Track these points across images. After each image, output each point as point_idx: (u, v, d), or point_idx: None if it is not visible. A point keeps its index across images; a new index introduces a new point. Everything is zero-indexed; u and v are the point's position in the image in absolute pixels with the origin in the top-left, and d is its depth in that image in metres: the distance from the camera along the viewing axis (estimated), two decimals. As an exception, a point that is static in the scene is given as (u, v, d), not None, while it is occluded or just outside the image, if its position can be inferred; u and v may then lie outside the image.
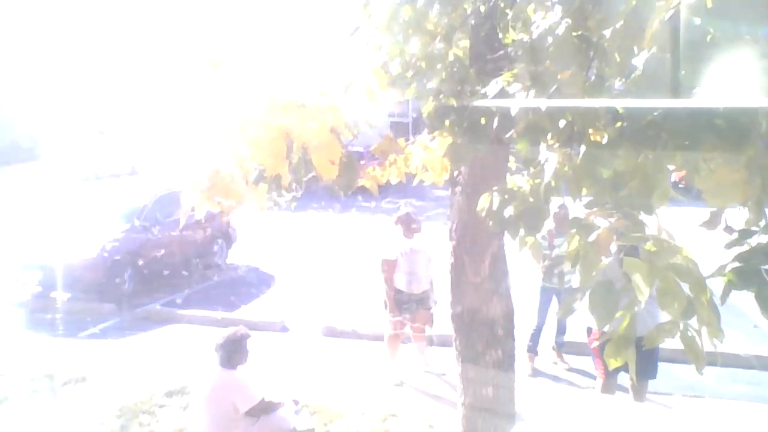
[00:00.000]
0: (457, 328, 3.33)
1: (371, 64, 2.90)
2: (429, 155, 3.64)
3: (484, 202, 2.20)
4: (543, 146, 2.01)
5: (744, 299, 1.73)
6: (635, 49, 1.66)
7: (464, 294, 3.24)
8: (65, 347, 6.48)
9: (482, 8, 2.58)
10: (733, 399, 5.15)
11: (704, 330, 1.68)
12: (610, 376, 4.37)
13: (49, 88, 20.47)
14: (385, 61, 2.88)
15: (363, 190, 3.59)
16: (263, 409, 4.00)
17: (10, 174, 16.93)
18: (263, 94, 2.55)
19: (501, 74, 2.08)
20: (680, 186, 2.81)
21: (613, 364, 1.84)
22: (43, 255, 7.91)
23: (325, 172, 2.59)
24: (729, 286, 1.59)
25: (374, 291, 5.90)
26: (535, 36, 1.94)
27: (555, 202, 2.18)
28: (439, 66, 2.67)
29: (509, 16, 2.41)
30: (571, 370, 5.80)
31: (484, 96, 2.11)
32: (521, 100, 1.92)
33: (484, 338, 3.22)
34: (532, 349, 5.79)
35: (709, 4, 1.37)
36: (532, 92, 1.92)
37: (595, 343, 4.30)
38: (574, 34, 1.84)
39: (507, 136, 2.12)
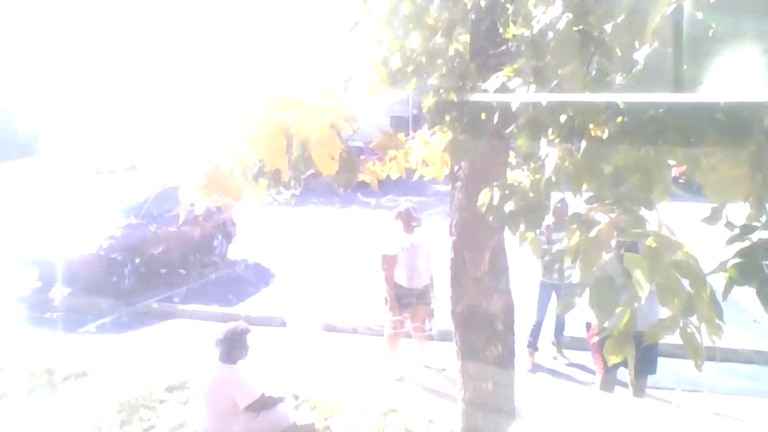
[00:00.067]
0: (457, 323, 3.33)
1: (371, 59, 2.89)
2: (429, 150, 3.63)
3: (484, 198, 2.19)
4: (543, 141, 2.01)
5: (744, 294, 1.73)
6: (636, 43, 1.65)
7: (464, 289, 3.24)
8: (65, 342, 6.49)
9: (483, 3, 2.57)
10: (733, 394, 5.16)
11: (703, 326, 1.67)
12: (609, 371, 4.37)
13: (47, 84, 20.43)
14: (385, 56, 2.87)
15: (363, 185, 3.59)
16: (263, 404, 4.01)
17: (8, 169, 16.90)
18: (262, 90, 2.54)
19: (502, 69, 2.07)
20: (680, 181, 2.81)
21: (613, 359, 1.84)
22: (42, 250, 7.92)
23: (325, 167, 2.59)
24: (730, 282, 1.59)
25: (374, 286, 5.91)
26: (535, 31, 1.92)
27: (554, 198, 2.17)
28: (439, 61, 2.66)
29: (510, 11, 2.39)
30: (570, 365, 5.81)
31: (485, 91, 2.10)
32: (522, 94, 1.91)
33: (484, 334, 3.22)
34: (532, 345, 5.80)
35: (711, -1, 1.36)
36: (533, 87, 1.91)
37: (595, 339, 4.30)
38: (575, 28, 1.83)
39: (507, 131, 2.11)
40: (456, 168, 3.13)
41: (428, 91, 2.49)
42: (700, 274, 1.65)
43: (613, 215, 1.80)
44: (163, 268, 8.76)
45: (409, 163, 3.73)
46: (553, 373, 5.72)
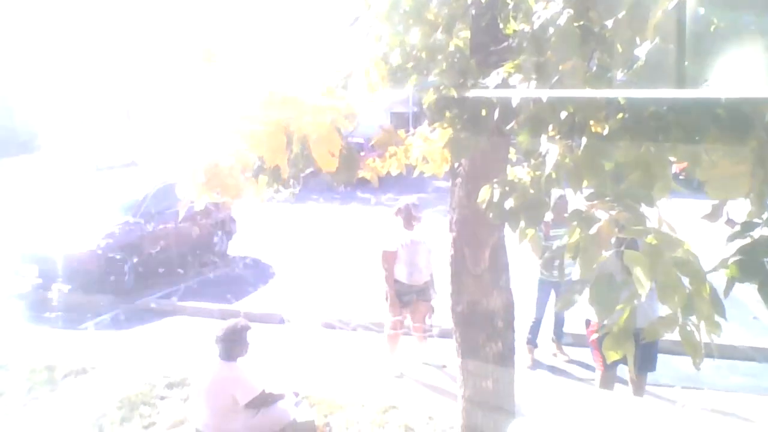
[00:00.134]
0: (457, 320, 3.33)
1: (371, 55, 2.88)
2: (429, 147, 3.62)
3: (484, 194, 2.18)
4: (544, 138, 2.00)
5: (744, 291, 1.73)
6: (638, 39, 1.64)
7: (464, 286, 3.24)
8: (65, 339, 6.50)
9: (483, -2, 2.55)
10: (733, 391, 5.17)
11: (702, 324, 1.67)
12: (609, 368, 4.37)
13: (46, 81, 20.40)
14: (385, 52, 2.85)
15: (362, 182, 3.58)
16: (263, 401, 4.01)
17: (8, 166, 16.89)
18: (262, 88, 2.53)
19: (502, 65, 2.06)
20: (681, 178, 2.81)
21: (612, 356, 1.84)
22: (42, 247, 7.92)
23: (325, 164, 2.58)
24: (732, 279, 1.59)
25: (374, 283, 5.90)
26: (536, 26, 1.91)
27: (554, 194, 2.17)
28: (439, 57, 2.65)
29: (510, 6, 2.38)
30: (570, 361, 5.82)
31: (485, 87, 2.09)
32: (522, 91, 1.90)
33: (484, 330, 3.22)
34: (532, 342, 5.81)
35: (713, -6, 1.36)
36: (534, 83, 1.91)
37: (594, 336, 4.30)
38: (576, 24, 1.82)
39: (508, 127, 2.10)
40: (456, 164, 3.12)
41: (428, 88, 2.48)
42: (700, 271, 1.64)
43: (613, 212, 1.80)
44: (163, 265, 8.76)
45: (409, 159, 3.72)
46: (553, 369, 5.73)
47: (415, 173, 3.84)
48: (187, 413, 4.30)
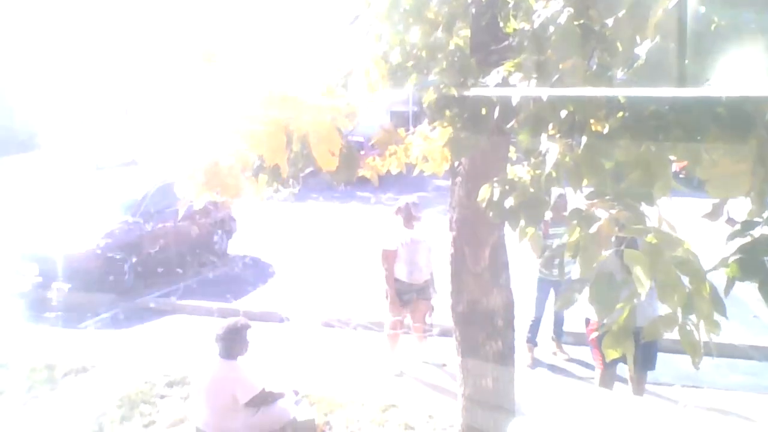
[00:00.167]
0: (457, 319, 3.33)
1: (371, 54, 2.87)
2: (429, 145, 3.62)
3: (484, 193, 2.18)
4: (544, 136, 2.00)
5: (744, 290, 1.72)
6: (638, 38, 1.64)
7: (464, 285, 3.24)
8: (66, 338, 6.50)
9: (483, -3, 2.55)
10: (732, 389, 5.17)
11: (702, 323, 1.67)
12: (608, 367, 4.38)
13: (46, 79, 20.39)
14: (385, 51, 2.85)
15: (363, 181, 3.58)
16: (263, 400, 4.01)
17: (8, 165, 16.89)
18: (261, 87, 2.53)
19: (502, 64, 2.06)
20: (681, 176, 2.80)
21: (612, 355, 1.84)
22: (42, 246, 7.92)
23: (325, 163, 2.58)
24: (732, 278, 1.59)
25: (374, 282, 5.90)
26: (536, 25, 1.91)
27: (553, 193, 2.17)
28: (439, 56, 2.65)
29: (510, 5, 2.38)
30: (570, 360, 5.82)
31: (485, 86, 2.09)
32: (522, 89, 1.90)
33: (484, 329, 3.22)
34: (531, 340, 5.81)
35: (714, -7, 1.35)
36: (534, 82, 1.90)
37: (594, 334, 4.30)
38: (577, 23, 1.82)
39: (508, 126, 2.10)
40: (456, 163, 3.12)
41: (429, 87, 2.48)
42: (700, 270, 1.64)
43: (613, 211, 1.80)
44: (163, 264, 8.76)
45: (409, 158, 3.72)
46: (553, 368, 5.73)
47: (415, 172, 3.85)
48: (187, 412, 4.31)
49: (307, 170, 2.72)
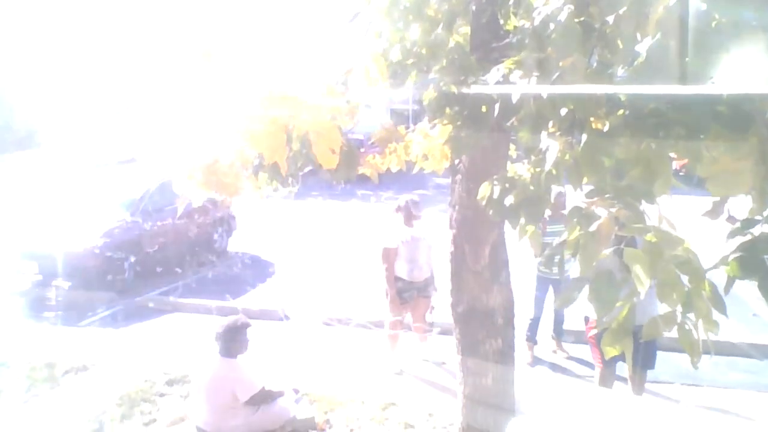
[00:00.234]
0: (457, 317, 3.33)
1: (371, 51, 2.87)
2: (429, 143, 3.62)
3: (484, 191, 2.18)
4: (544, 134, 1.99)
5: (743, 288, 1.72)
6: (639, 35, 1.63)
7: (464, 283, 3.23)
8: (66, 336, 6.50)
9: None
10: (732, 388, 5.17)
11: (700, 322, 1.67)
12: (607, 365, 4.37)
13: (46, 77, 20.36)
14: (385, 49, 2.85)
15: (363, 179, 3.57)
16: (263, 398, 4.02)
17: (8, 163, 16.88)
18: (261, 85, 2.52)
19: (503, 61, 2.05)
20: (681, 174, 2.80)
21: (610, 352, 1.84)
22: (42, 244, 7.91)
23: (325, 161, 2.57)
24: (732, 276, 1.58)
25: (374, 279, 5.90)
26: (537, 22, 1.91)
27: (553, 190, 2.16)
28: (440, 53, 2.64)
29: (511, 2, 2.38)
30: (570, 358, 5.82)
31: (485, 83, 2.09)
32: (522, 87, 1.90)
33: (484, 327, 3.22)
34: (531, 339, 5.81)
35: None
36: (534, 80, 1.90)
37: (593, 332, 4.30)
38: (577, 20, 1.82)
39: (508, 124, 2.10)
40: (456, 161, 3.12)
41: (429, 85, 2.47)
42: (700, 270, 1.64)
43: (613, 210, 1.79)
44: (163, 262, 8.76)
45: (409, 155, 3.72)
46: (553, 366, 5.73)
47: (415, 170, 3.85)
48: (187, 410, 4.31)
49: (307, 169, 2.72)
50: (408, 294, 5.37)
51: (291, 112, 2.47)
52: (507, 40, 2.39)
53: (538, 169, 2.04)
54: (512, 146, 3.02)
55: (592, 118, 1.87)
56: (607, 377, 4.47)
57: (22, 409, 4.88)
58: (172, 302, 7.66)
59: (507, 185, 2.11)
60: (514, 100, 1.90)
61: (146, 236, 8.50)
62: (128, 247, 8.23)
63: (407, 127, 3.72)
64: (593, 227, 1.78)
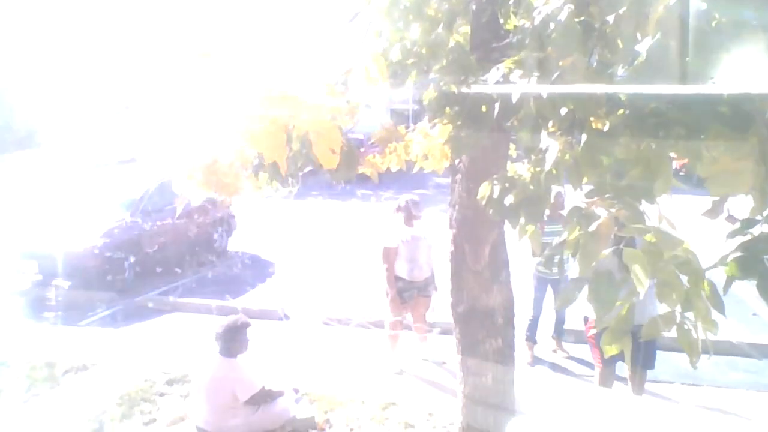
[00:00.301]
0: (457, 316, 3.33)
1: (371, 51, 2.87)
2: (429, 143, 3.62)
3: (484, 191, 2.18)
4: (544, 134, 1.99)
5: (743, 288, 1.72)
6: (639, 35, 1.63)
7: (464, 282, 3.23)
8: (66, 336, 6.50)
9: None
10: (732, 387, 5.17)
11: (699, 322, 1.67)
12: (607, 365, 4.38)
13: (45, 77, 20.36)
14: (385, 48, 2.84)
15: (364, 179, 3.57)
16: (263, 398, 4.02)
17: (8, 163, 16.87)
18: (261, 85, 2.52)
19: (503, 61, 2.05)
20: (681, 174, 2.80)
21: (610, 351, 1.84)
22: (42, 244, 7.91)
23: (325, 161, 2.57)
24: (731, 276, 1.58)
25: (375, 279, 5.90)
26: (537, 22, 1.91)
27: (552, 190, 2.16)
28: (440, 53, 2.64)
29: (511, 2, 2.37)
30: (570, 358, 5.83)
31: (485, 83, 2.09)
32: (522, 86, 1.90)
33: (484, 327, 3.22)
34: (531, 338, 5.81)
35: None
36: (534, 79, 1.90)
37: (592, 332, 4.30)
38: (577, 20, 1.82)
39: (508, 123, 2.10)
40: (456, 161, 3.12)
41: (429, 84, 2.47)
42: (699, 270, 1.64)
43: (613, 210, 1.79)
44: (163, 262, 8.76)
45: (409, 155, 3.72)
46: (553, 366, 5.73)
47: (415, 169, 3.84)
48: (187, 410, 4.31)
49: (307, 169, 2.71)
50: (408, 294, 5.37)
51: (291, 112, 2.46)
52: (507, 40, 2.39)
53: (538, 169, 2.04)
54: (512, 146, 3.02)
55: (592, 118, 1.87)
56: (607, 377, 4.47)
57: (22, 409, 4.89)
58: (172, 302, 7.66)
59: (507, 185, 2.11)
60: (514, 99, 1.90)
61: (146, 236, 8.49)
62: (128, 247, 8.23)
63: (407, 127, 3.72)
64: (593, 227, 1.78)
